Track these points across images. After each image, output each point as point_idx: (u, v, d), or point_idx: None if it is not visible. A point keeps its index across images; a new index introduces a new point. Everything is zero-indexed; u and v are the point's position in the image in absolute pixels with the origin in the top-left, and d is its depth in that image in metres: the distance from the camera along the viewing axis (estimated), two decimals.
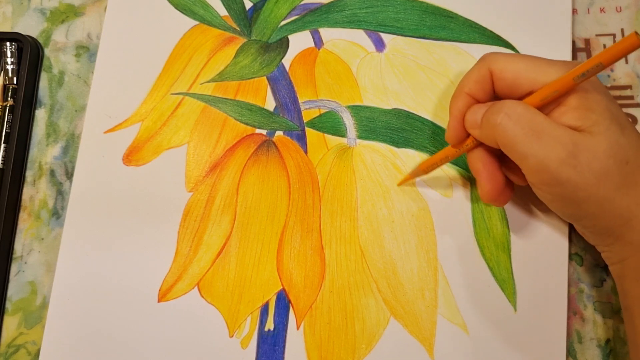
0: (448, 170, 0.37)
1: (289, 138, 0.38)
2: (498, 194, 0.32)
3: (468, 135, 0.32)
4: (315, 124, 0.38)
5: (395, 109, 0.38)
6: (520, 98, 0.30)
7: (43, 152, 0.40)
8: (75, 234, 0.38)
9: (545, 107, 0.29)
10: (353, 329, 0.35)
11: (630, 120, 0.34)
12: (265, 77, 0.39)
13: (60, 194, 0.40)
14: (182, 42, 0.41)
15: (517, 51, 0.38)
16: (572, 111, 0.28)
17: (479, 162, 0.32)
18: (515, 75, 0.30)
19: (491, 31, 0.39)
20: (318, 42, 0.40)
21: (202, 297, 0.36)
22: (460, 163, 0.37)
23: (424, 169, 0.35)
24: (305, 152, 0.38)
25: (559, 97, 0.29)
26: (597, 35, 0.39)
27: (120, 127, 0.39)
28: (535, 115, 0.28)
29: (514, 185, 0.33)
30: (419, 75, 0.39)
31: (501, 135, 0.29)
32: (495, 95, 0.32)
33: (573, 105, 0.29)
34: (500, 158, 0.32)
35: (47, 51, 0.42)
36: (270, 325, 0.35)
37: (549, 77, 0.29)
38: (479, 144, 0.32)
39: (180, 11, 0.41)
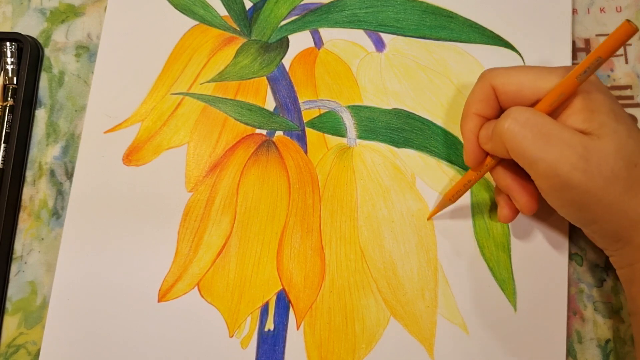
0: (448, 170, 0.37)
1: (289, 138, 0.38)
2: (536, 203, 0.31)
3: (486, 155, 0.32)
4: (315, 124, 0.38)
5: (395, 109, 0.38)
6: None
7: (43, 152, 0.40)
8: (75, 234, 0.38)
9: (552, 113, 0.29)
10: (353, 329, 0.35)
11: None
12: (265, 77, 0.39)
13: (60, 194, 0.39)
14: (182, 42, 0.41)
15: (517, 51, 0.38)
16: (578, 114, 0.28)
17: (507, 178, 0.31)
18: (518, 87, 0.30)
19: (491, 31, 0.39)
20: (318, 42, 0.40)
21: (202, 297, 0.36)
22: (460, 163, 0.37)
23: (449, 198, 0.34)
24: (305, 152, 0.38)
25: (565, 100, 0.29)
26: (597, 35, 0.39)
27: (120, 127, 0.39)
28: (543, 118, 0.28)
29: None
30: (419, 75, 0.39)
31: (510, 140, 0.28)
32: (502, 111, 0.31)
33: (578, 108, 0.28)
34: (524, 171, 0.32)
35: (47, 51, 0.42)
36: (270, 325, 0.35)
37: (552, 83, 0.29)
38: (499, 161, 0.31)
39: (180, 11, 0.41)
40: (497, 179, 0.32)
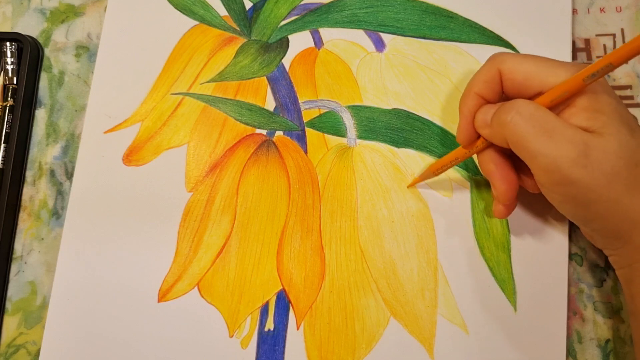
0: (448, 171, 0.37)
1: (289, 138, 0.38)
2: (513, 195, 0.31)
3: (479, 136, 0.32)
4: (315, 124, 0.38)
5: (395, 109, 0.38)
6: (529, 98, 0.30)
7: (43, 152, 0.40)
8: (75, 234, 0.38)
9: (554, 108, 0.29)
10: (353, 329, 0.35)
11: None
12: (265, 77, 0.39)
13: (60, 194, 0.39)
14: (182, 42, 0.41)
15: (517, 51, 0.38)
16: (582, 112, 0.28)
17: (491, 163, 0.32)
18: (525, 76, 0.30)
19: (491, 31, 0.39)
20: (318, 42, 0.40)
21: (202, 297, 0.36)
22: (461, 164, 0.37)
23: (433, 171, 0.34)
24: (305, 152, 0.38)
25: (568, 98, 0.29)
26: (597, 35, 0.39)
27: (120, 127, 0.39)
28: (547, 114, 0.28)
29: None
30: (419, 75, 0.39)
31: (512, 133, 0.28)
32: (504, 96, 0.32)
33: (582, 107, 0.28)
34: (512, 161, 0.32)
35: (47, 51, 0.42)
36: (270, 325, 0.35)
37: (559, 78, 0.29)
38: (490, 145, 0.32)
39: (180, 11, 0.41)
40: (482, 162, 0.32)
